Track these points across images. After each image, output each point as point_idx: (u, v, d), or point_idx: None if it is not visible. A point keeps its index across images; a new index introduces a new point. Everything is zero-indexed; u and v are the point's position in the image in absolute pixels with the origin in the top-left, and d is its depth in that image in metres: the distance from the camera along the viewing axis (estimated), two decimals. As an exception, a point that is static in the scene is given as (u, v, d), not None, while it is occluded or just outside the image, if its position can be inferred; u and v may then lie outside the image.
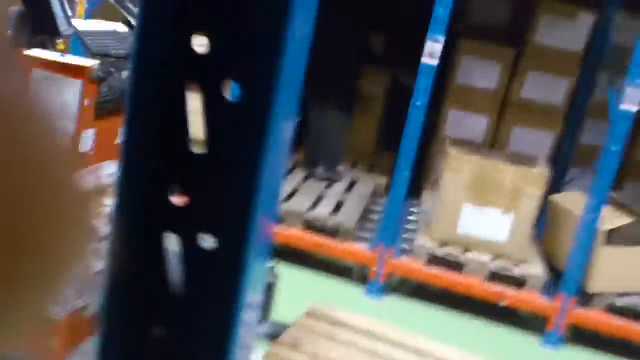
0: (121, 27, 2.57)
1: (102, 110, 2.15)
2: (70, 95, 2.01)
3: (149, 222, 0.81)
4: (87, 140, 2.07)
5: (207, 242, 0.80)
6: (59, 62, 2.00)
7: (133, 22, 2.62)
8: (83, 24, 2.37)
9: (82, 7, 3.79)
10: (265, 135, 0.75)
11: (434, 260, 3.77)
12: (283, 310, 2.64)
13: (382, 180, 4.79)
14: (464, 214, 3.75)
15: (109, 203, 2.11)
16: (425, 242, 3.85)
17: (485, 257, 3.75)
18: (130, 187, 0.82)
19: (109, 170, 2.24)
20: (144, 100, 0.80)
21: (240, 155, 0.76)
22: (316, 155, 4.53)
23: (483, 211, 3.73)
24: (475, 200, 3.73)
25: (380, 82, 5.07)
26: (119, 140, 2.34)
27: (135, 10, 2.62)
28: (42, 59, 2.00)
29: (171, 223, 0.81)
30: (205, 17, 0.76)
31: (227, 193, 0.78)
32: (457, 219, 3.76)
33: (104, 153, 2.20)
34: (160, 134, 0.80)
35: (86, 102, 2.03)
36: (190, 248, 0.80)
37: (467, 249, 3.79)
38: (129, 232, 0.82)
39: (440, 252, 3.80)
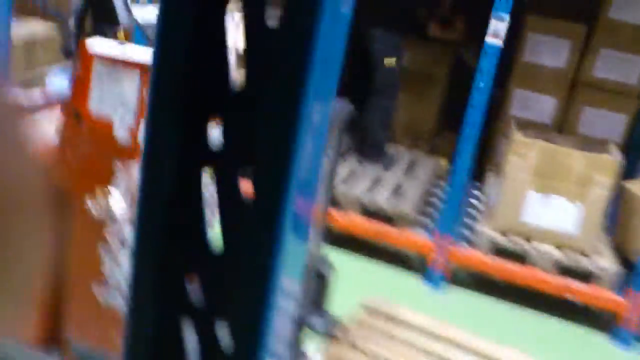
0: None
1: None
2: (129, 87, 1.97)
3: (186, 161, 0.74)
4: (145, 131, 2.04)
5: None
6: (118, 53, 1.96)
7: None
8: (143, 13, 2.32)
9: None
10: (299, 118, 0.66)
11: (496, 249, 3.65)
12: (338, 300, 2.58)
13: (443, 162, 4.67)
14: (528, 201, 3.60)
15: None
16: (486, 230, 3.72)
17: (550, 248, 3.60)
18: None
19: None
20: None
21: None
22: (362, 138, 4.39)
23: (549, 199, 3.57)
24: (541, 187, 3.58)
25: (443, 61, 4.92)
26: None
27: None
28: (102, 50, 1.96)
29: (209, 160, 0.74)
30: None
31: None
32: (521, 207, 3.62)
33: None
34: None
35: (145, 92, 1.99)
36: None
37: (531, 239, 3.65)
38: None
39: (503, 241, 3.67)
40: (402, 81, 4.82)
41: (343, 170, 4.15)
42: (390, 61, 4.03)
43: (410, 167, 4.51)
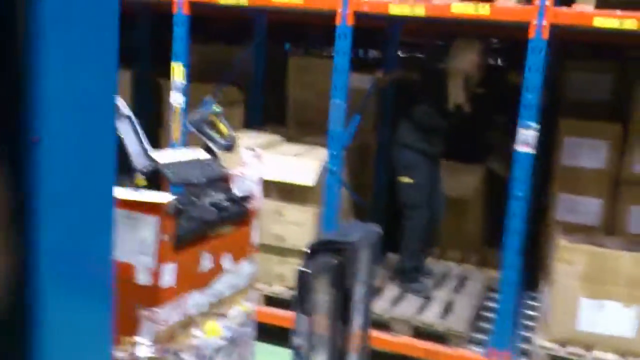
0: (202, 154, 2.64)
1: (182, 242, 2.18)
2: (147, 232, 2.05)
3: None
4: (168, 274, 2.09)
5: None
6: (135, 200, 2.06)
7: (213, 147, 2.69)
8: (165, 155, 2.45)
9: (176, 131, 3.98)
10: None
11: (555, 362, 3.46)
12: None
13: (494, 274, 4.54)
14: (581, 309, 3.44)
15: (196, 333, 2.09)
16: (543, 342, 3.55)
17: (611, 356, 3.39)
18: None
19: (194, 301, 2.24)
20: None
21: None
22: (401, 261, 4.23)
23: (602, 305, 3.41)
24: (592, 293, 3.43)
25: (473, 175, 4.90)
26: (201, 268, 2.36)
27: (215, 134, 2.70)
28: (119, 199, 2.06)
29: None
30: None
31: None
32: (575, 315, 3.46)
33: (187, 284, 2.21)
34: None
35: (164, 237, 2.06)
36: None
37: (590, 347, 3.45)
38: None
39: (562, 352, 3.48)
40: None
41: (391, 292, 4.09)
42: (404, 180, 4.03)
43: (461, 282, 4.41)
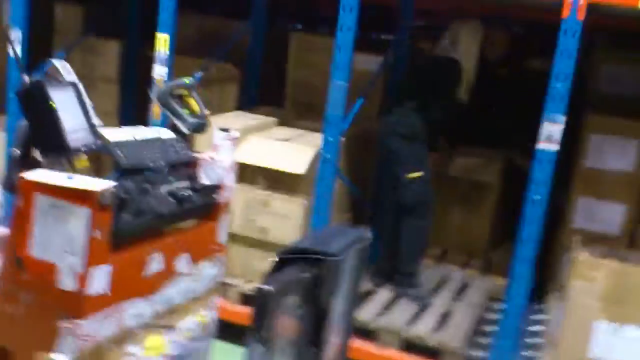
0: (166, 133, 2.24)
1: (122, 239, 1.78)
2: (75, 226, 1.65)
3: None
4: (99, 279, 1.70)
5: None
6: (65, 187, 1.66)
7: (181, 126, 2.29)
8: (119, 133, 2.04)
9: (157, 107, 3.58)
10: None
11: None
12: None
13: (500, 281, 4.14)
14: (596, 332, 3.04)
15: (132, 350, 1.69)
16: (551, 366, 3.15)
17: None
18: None
19: (135, 310, 1.85)
20: None
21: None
22: (393, 266, 3.82)
23: (622, 330, 3.00)
24: (612, 315, 3.02)
25: (494, 167, 4.51)
26: (147, 272, 1.96)
27: (183, 111, 2.30)
28: (44, 184, 1.67)
29: None
30: None
31: None
32: (589, 339, 3.05)
33: (126, 290, 1.81)
34: None
35: (96, 234, 1.66)
36: None
37: (604, 377, 3.05)
38: None
39: (571, 379, 3.08)
40: (450, 191, 4.44)
41: (381, 297, 3.70)
42: (413, 175, 3.61)
43: (462, 289, 4.01)
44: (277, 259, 1.69)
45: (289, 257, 1.70)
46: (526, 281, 3.11)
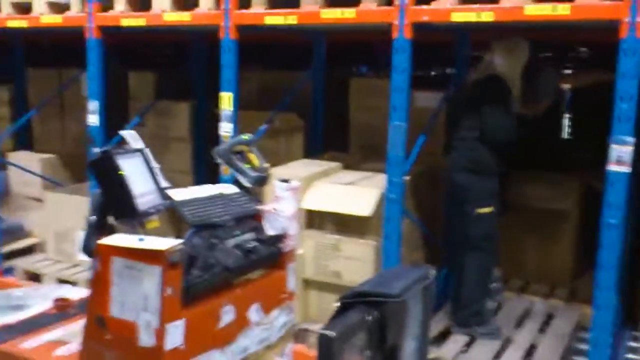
0: (229, 189, 2.33)
1: (194, 294, 1.86)
2: (149, 285, 1.75)
3: None
4: (174, 334, 1.78)
5: None
6: (137, 248, 1.76)
7: (243, 181, 2.38)
8: (185, 192, 2.15)
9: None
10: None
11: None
12: None
13: (586, 310, 3.99)
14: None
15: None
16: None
17: None
18: None
19: (209, 363, 1.92)
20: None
21: None
22: (457, 305, 3.71)
23: None
24: None
25: (571, 193, 4.38)
26: (221, 324, 2.04)
27: (244, 166, 2.39)
28: (118, 247, 1.78)
29: None
30: None
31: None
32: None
33: (201, 343, 1.89)
34: None
35: (168, 291, 1.75)
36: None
37: None
38: None
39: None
40: (525, 221, 4.33)
41: (459, 337, 3.63)
42: (484, 211, 3.54)
43: (547, 321, 3.88)
44: (339, 304, 1.72)
45: (352, 301, 1.73)
46: (611, 309, 2.99)
